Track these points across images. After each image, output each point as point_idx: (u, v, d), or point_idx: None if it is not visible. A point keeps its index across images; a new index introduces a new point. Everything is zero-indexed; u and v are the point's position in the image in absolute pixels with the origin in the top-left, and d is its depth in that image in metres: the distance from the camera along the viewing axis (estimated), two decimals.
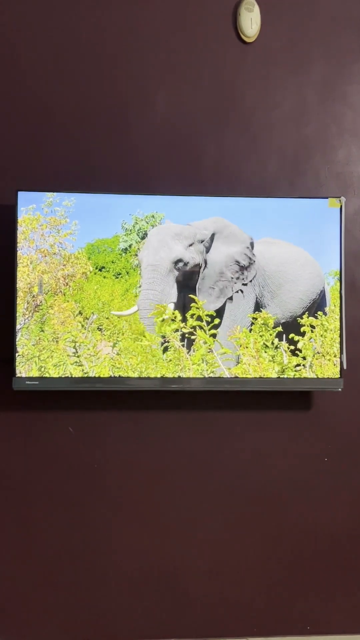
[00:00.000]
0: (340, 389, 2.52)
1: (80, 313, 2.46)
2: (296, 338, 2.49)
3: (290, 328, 2.50)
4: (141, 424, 2.60)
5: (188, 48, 2.66)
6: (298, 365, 2.48)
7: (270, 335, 2.48)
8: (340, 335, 2.51)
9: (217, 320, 2.48)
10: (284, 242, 2.51)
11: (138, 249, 2.47)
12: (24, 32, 2.60)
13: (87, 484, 2.57)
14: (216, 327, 2.48)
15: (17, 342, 2.41)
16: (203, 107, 2.67)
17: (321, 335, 2.49)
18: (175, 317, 2.46)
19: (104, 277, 2.47)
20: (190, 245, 2.48)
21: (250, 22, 2.65)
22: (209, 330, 2.47)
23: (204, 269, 2.49)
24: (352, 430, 2.68)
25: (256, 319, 2.49)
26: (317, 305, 2.51)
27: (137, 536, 2.59)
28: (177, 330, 2.46)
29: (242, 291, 2.50)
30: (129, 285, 2.48)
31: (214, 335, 2.47)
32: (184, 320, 2.47)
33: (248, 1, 2.65)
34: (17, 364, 2.40)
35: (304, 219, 2.51)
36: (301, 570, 2.65)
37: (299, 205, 2.51)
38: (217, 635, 2.61)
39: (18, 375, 2.41)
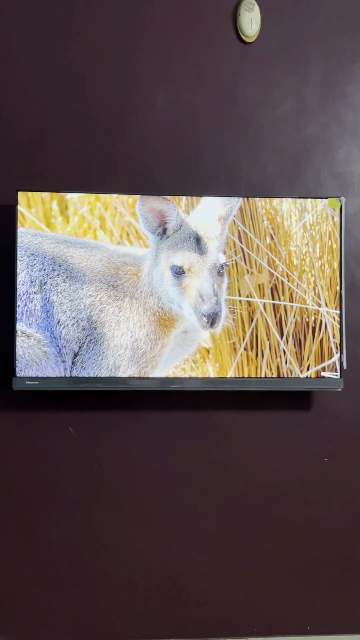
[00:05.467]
0: (340, 389, 2.52)
1: None
2: None
3: None
4: (141, 424, 2.60)
5: (188, 48, 2.66)
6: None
7: None
8: (340, 336, 2.51)
9: None
10: None
11: None
12: (23, 31, 2.60)
13: (87, 484, 2.58)
14: None
15: (17, 342, 2.41)
16: (203, 107, 2.67)
17: None
18: None
19: None
20: None
21: (250, 22, 2.65)
22: None
23: None
24: (352, 430, 2.68)
25: None
26: None
27: (137, 536, 2.59)
28: None
29: None
30: None
31: None
32: None
33: (248, 1, 2.65)
34: (16, 363, 2.41)
35: None
36: (301, 570, 2.65)
37: None
38: (217, 635, 2.61)
39: (18, 375, 2.41)
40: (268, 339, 2.49)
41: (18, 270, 2.40)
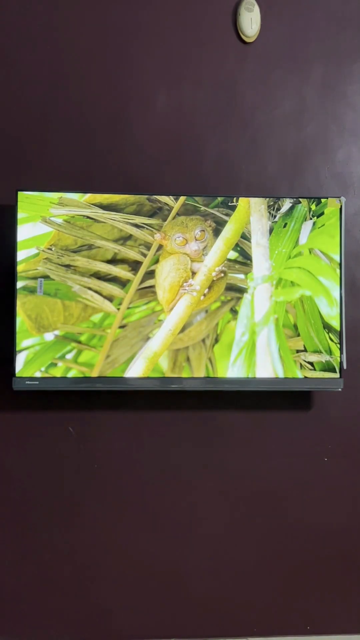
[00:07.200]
0: (340, 389, 2.52)
1: None
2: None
3: None
4: (141, 424, 2.60)
5: (188, 48, 2.66)
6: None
7: None
8: (340, 335, 2.51)
9: None
10: None
11: None
12: (24, 31, 2.60)
13: (87, 484, 2.58)
14: None
15: (17, 342, 2.41)
16: (203, 107, 2.67)
17: None
18: None
19: None
20: None
21: (250, 22, 2.65)
22: None
23: None
24: (352, 430, 2.68)
25: None
26: None
27: (137, 536, 2.59)
28: None
29: None
30: None
31: None
32: None
33: (248, 1, 2.65)
34: (16, 363, 2.41)
35: None
36: (301, 570, 2.65)
37: None
38: (217, 635, 2.61)
39: (18, 375, 2.41)
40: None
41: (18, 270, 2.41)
